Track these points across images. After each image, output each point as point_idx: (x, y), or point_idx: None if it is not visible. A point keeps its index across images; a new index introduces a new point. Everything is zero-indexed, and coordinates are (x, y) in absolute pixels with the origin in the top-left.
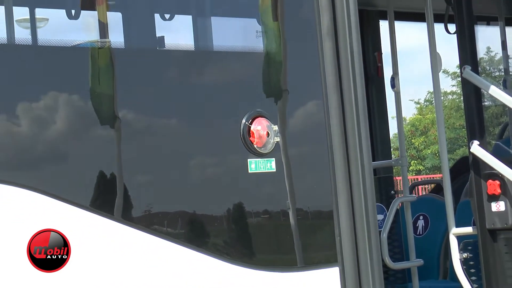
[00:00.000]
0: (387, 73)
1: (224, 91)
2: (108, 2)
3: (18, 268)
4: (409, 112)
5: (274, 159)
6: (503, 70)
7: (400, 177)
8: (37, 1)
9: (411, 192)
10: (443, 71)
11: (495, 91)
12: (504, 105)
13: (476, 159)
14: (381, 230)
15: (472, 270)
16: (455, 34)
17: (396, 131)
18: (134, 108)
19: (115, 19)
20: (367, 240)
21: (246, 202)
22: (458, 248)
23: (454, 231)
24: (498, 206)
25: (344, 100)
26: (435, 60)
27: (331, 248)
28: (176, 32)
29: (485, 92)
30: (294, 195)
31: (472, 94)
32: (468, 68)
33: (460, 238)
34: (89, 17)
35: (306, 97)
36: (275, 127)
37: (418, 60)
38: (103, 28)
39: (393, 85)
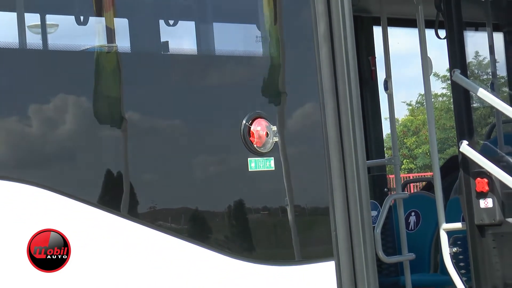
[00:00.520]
0: (381, 76)
1: (225, 93)
2: (115, 9)
3: (22, 268)
4: (401, 113)
5: (273, 158)
6: (490, 73)
7: (393, 175)
8: (47, 8)
9: (403, 190)
10: (434, 75)
11: (483, 93)
12: (491, 107)
13: (465, 158)
14: (375, 226)
15: (462, 264)
16: (445, 39)
17: (389, 131)
18: (140, 110)
19: (121, 25)
20: (361, 235)
21: (246, 199)
22: (448, 242)
23: (444, 226)
24: (486, 203)
25: (340, 102)
26: (426, 64)
27: (327, 243)
28: (180, 37)
29: (474, 94)
30: (292, 192)
31: (461, 96)
32: (457, 72)
33: (450, 233)
34: (97, 23)
35: (304, 99)
36: (274, 128)
37: (410, 64)
38: (110, 34)
39: (386, 88)
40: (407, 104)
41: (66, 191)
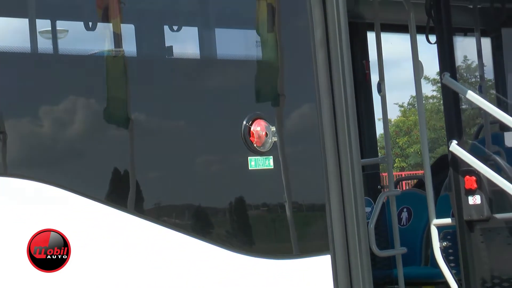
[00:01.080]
0: (374, 79)
1: (226, 96)
2: (121, 16)
3: (22, 267)
4: (394, 114)
5: (272, 157)
6: (478, 76)
7: (386, 173)
8: (58, 14)
9: (395, 187)
10: (425, 78)
11: (472, 96)
12: (479, 108)
13: (455, 157)
14: (368, 221)
15: (451, 257)
16: (436, 44)
17: (382, 131)
18: (145, 111)
19: (128, 30)
20: (356, 230)
21: (246, 196)
22: (438, 237)
23: (435, 222)
24: (475, 200)
25: (335, 104)
26: (417, 67)
27: (323, 237)
28: (183, 42)
29: (463, 97)
30: (290, 189)
31: (451, 98)
32: (447, 75)
33: (440, 228)
34: (104, 29)
35: (301, 101)
36: (273, 128)
37: (402, 68)
38: (117, 39)
39: (379, 90)
40: (399, 105)
41: (72, 188)
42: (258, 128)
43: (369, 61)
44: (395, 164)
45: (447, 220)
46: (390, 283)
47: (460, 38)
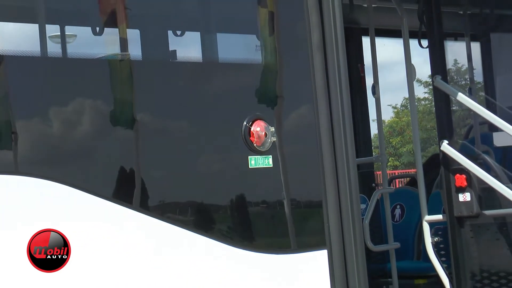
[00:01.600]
0: (369, 81)
1: (227, 97)
2: (127, 21)
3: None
4: (388, 115)
5: (271, 156)
6: (468, 79)
7: (380, 172)
8: (67, 20)
9: (389, 185)
10: (417, 80)
11: (462, 97)
12: (469, 110)
13: (446, 156)
14: (363, 218)
15: (442, 252)
16: (427, 48)
17: (376, 131)
18: (150, 112)
19: (133, 35)
20: (351, 226)
21: (247, 194)
22: (430, 233)
23: (427, 218)
24: (465, 197)
25: (332, 105)
26: (410, 70)
27: (320, 233)
28: (187, 46)
29: (453, 98)
30: (288, 187)
31: (442, 100)
32: (438, 78)
33: (431, 224)
34: (111, 34)
35: (299, 102)
36: (272, 128)
37: (395, 71)
38: (123, 43)
39: (373, 92)
40: (392, 107)
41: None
42: (258, 128)
43: (364, 65)
44: (389, 163)
45: (439, 217)
46: (384, 277)
47: (450, 43)
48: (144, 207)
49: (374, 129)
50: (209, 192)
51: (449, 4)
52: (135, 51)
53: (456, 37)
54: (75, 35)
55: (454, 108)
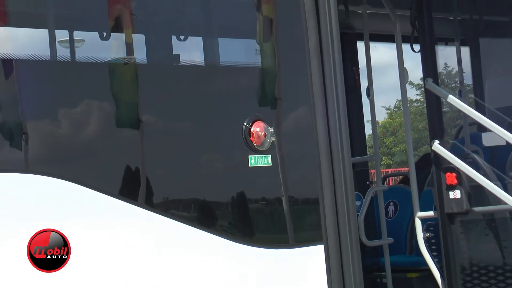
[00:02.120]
0: (363, 84)
1: (228, 99)
2: (133, 26)
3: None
4: (381, 116)
5: (270, 155)
6: (458, 82)
7: (374, 170)
8: (75, 25)
9: (383, 183)
10: (409, 83)
11: (452, 99)
12: (459, 111)
13: (437, 155)
14: (358, 214)
15: (434, 247)
16: (419, 52)
17: (370, 132)
18: (155, 113)
19: (139, 40)
20: (347, 222)
21: (247, 192)
22: (422, 228)
23: (419, 214)
24: (455, 194)
25: (328, 107)
26: (403, 73)
27: (317, 228)
28: (190, 51)
29: (444, 100)
30: (287, 185)
31: (433, 102)
32: (430, 80)
33: (423, 220)
34: (117, 39)
35: (297, 104)
36: (271, 129)
37: (389, 74)
38: (129, 47)
39: (368, 94)
40: (386, 108)
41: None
42: (258, 129)
43: (358, 68)
44: (382, 162)
45: (430, 213)
46: (378, 270)
47: (441, 47)
48: (149, 204)
49: (368, 130)
50: (211, 189)
51: (440, 11)
52: (140, 55)
53: (446, 42)
54: (83, 40)
55: (444, 109)
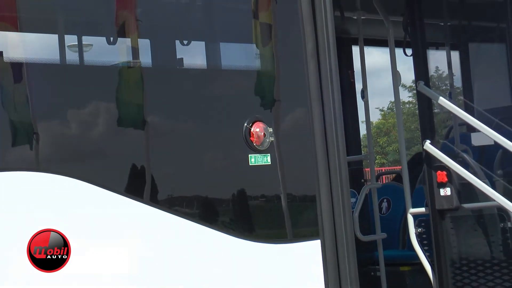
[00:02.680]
0: (358, 86)
1: (230, 101)
2: (138, 31)
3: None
4: (375, 117)
5: (269, 154)
6: (448, 84)
7: (368, 169)
8: (84, 31)
9: (377, 180)
10: (402, 85)
11: (443, 101)
12: (449, 112)
13: (428, 154)
14: (353, 211)
15: (425, 242)
16: (411, 56)
17: (365, 132)
18: (159, 114)
19: (144, 44)
20: (342, 218)
21: (247, 189)
22: (414, 224)
23: (411, 211)
24: (445, 192)
25: (325, 108)
26: (395, 76)
27: (314, 224)
28: (193, 55)
29: (435, 102)
30: (285, 183)
31: (425, 103)
32: (421, 83)
33: (415, 216)
34: (124, 43)
35: (295, 106)
36: (270, 129)
37: (382, 77)
38: (135, 52)
39: (362, 96)
40: (380, 109)
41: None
42: (257, 129)
43: (353, 71)
44: (376, 161)
45: (422, 209)
46: (372, 264)
47: (432, 51)
48: (154, 201)
49: (363, 130)
50: (213, 187)
51: (431, 17)
52: (145, 59)
53: (437, 46)
54: (91, 45)
55: (435, 110)
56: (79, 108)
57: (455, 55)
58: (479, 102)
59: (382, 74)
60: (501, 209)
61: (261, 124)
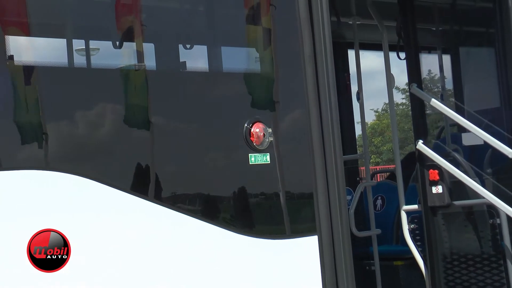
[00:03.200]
0: (354, 89)
1: (231, 103)
2: (143, 36)
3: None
4: (370, 118)
5: (268, 154)
6: (440, 87)
7: (363, 167)
8: (91, 35)
9: (371, 179)
10: (396, 88)
11: (435, 103)
12: (441, 113)
13: (421, 154)
14: (349, 207)
15: (418, 237)
16: (405, 60)
17: (360, 132)
18: (164, 116)
19: (149, 48)
20: (338, 215)
21: (247, 187)
22: (407, 220)
23: (404, 208)
24: (437, 189)
25: (322, 109)
26: (389, 79)
27: (311, 221)
28: (195, 58)
29: (427, 103)
30: (284, 181)
31: (417, 105)
32: (414, 85)
33: (408, 213)
34: (129, 47)
35: (293, 107)
36: (270, 130)
37: (377, 79)
38: (140, 55)
39: (358, 98)
40: (374, 111)
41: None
42: (257, 130)
43: (349, 74)
44: (371, 160)
45: (414, 206)
46: (367, 259)
47: (425, 55)
48: (158, 198)
49: (358, 130)
50: (215, 185)
51: (423, 22)
52: (150, 62)
53: (429, 50)
54: (98, 48)
55: (428, 112)
56: (86, 109)
57: (447, 59)
58: (469, 104)
59: (377, 76)
60: (490, 206)
61: (260, 125)
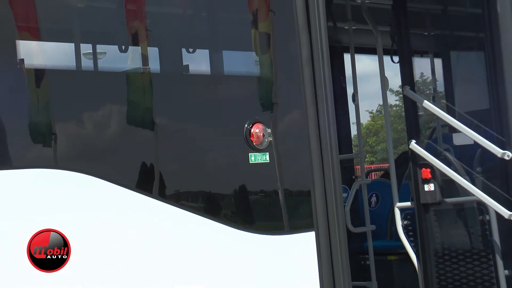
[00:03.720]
0: (349, 91)
1: (232, 104)
2: (148, 40)
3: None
4: (365, 119)
5: (268, 153)
6: (432, 89)
7: (359, 166)
8: (98, 39)
9: (366, 177)
10: (390, 90)
11: (427, 104)
12: (433, 114)
13: (414, 153)
14: (345, 204)
15: (411, 233)
16: (398, 63)
17: (355, 132)
18: (167, 116)
19: (153, 52)
20: (335, 212)
21: (248, 185)
22: (401, 217)
23: (398, 205)
24: (429, 187)
25: (319, 110)
26: (384, 81)
27: (309, 217)
28: (197, 61)
29: (420, 105)
30: (283, 179)
31: (410, 106)
32: (407, 88)
33: (402, 210)
34: (134, 51)
35: (291, 108)
36: (269, 130)
37: (372, 82)
38: (145, 59)
39: (353, 100)
40: (369, 112)
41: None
42: (257, 130)
43: (345, 77)
44: (366, 159)
45: (408, 203)
46: (362, 254)
47: (417, 59)
48: (162, 196)
49: (353, 131)
50: (216, 183)
51: (416, 27)
52: (154, 65)
53: (422, 54)
54: (105, 52)
55: (420, 113)
56: (94, 110)
57: (438, 62)
58: (460, 105)
59: (371, 79)
60: (480, 203)
61: (260, 125)
